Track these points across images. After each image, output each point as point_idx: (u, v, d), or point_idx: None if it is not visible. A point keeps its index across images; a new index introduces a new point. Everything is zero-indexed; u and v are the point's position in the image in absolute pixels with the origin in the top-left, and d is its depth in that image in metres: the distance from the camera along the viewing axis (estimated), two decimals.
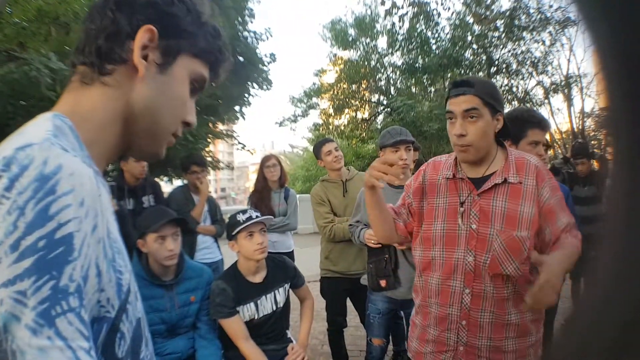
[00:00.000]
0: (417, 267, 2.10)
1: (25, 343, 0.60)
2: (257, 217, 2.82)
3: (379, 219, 2.04)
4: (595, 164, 5.06)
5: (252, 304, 2.83)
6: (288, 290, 3.05)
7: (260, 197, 4.52)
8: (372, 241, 3.02)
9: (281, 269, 3.02)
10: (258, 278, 2.90)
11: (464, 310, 1.88)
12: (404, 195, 2.17)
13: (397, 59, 19.49)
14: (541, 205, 1.83)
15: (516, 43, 17.39)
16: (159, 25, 0.84)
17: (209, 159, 12.51)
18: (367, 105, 20.99)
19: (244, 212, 2.86)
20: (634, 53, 0.29)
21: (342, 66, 20.59)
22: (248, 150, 14.84)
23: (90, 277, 0.69)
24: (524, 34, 17.03)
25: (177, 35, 0.87)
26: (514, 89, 18.49)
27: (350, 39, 19.77)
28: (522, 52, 17.63)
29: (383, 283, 3.02)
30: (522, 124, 2.61)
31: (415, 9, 17.75)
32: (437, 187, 2.02)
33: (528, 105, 18.28)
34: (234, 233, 2.80)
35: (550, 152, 17.22)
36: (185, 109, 0.93)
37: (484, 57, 18.06)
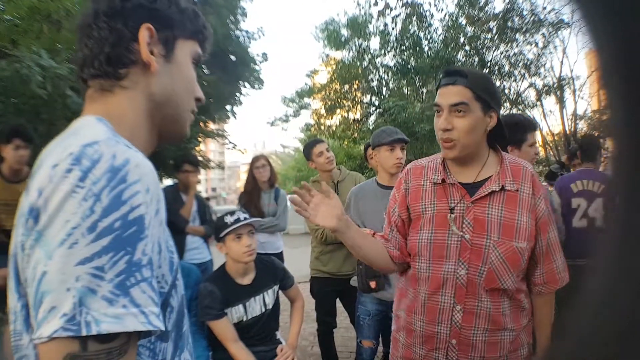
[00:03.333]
0: (403, 278, 1.99)
1: (101, 313, 0.68)
2: (245, 219, 2.79)
3: (367, 254, 1.90)
4: None
5: (240, 306, 2.81)
6: (277, 292, 3.02)
7: (250, 197, 4.51)
8: None
9: (270, 270, 3.00)
10: (246, 280, 2.88)
11: (455, 329, 1.72)
12: (388, 213, 2.00)
13: (389, 59, 19.45)
14: (538, 218, 1.72)
15: (509, 45, 17.38)
16: (152, 22, 0.93)
17: (199, 158, 12.47)
18: (359, 105, 20.96)
19: (231, 213, 2.84)
20: (634, 52, 0.27)
21: (334, 66, 20.57)
22: (239, 150, 14.79)
23: (154, 254, 0.79)
24: (517, 35, 17.03)
25: (169, 25, 0.97)
26: (506, 91, 18.47)
27: (342, 39, 19.72)
28: (514, 54, 17.62)
29: (373, 284, 3.01)
30: (524, 129, 2.82)
31: (408, 10, 17.72)
32: (422, 192, 1.85)
33: (520, 107, 18.34)
34: (221, 235, 2.78)
35: (542, 153, 17.29)
36: (195, 86, 1.05)
37: (477, 59, 18.02)
